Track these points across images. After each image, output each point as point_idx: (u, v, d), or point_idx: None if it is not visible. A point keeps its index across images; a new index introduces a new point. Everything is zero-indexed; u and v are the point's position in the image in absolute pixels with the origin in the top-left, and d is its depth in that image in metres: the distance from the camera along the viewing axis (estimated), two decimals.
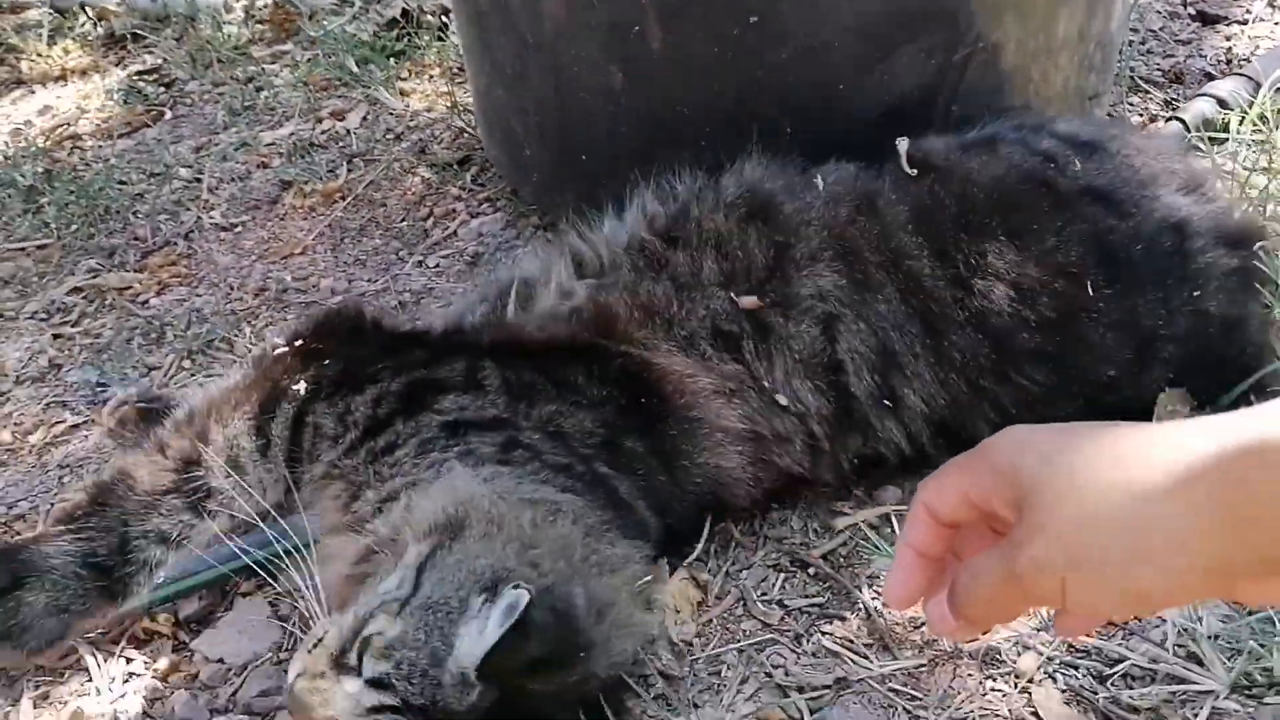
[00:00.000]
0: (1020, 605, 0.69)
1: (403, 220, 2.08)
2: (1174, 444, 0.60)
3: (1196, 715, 1.09)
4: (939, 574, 0.74)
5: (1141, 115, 1.96)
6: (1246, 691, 1.11)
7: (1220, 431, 0.59)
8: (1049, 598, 0.64)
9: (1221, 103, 1.87)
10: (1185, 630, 1.15)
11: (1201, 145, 1.76)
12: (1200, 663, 1.13)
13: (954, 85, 1.52)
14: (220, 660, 1.33)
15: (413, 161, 2.21)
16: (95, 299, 2.01)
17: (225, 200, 2.20)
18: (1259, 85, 1.87)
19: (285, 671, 1.20)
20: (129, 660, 1.36)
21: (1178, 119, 1.86)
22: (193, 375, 1.81)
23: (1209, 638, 1.15)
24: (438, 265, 1.95)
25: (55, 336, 1.93)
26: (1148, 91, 2.08)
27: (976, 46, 1.50)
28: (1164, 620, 1.17)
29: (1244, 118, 1.81)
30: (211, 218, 2.16)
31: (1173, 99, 2.03)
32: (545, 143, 1.76)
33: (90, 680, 1.34)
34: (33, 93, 2.74)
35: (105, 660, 1.36)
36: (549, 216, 1.96)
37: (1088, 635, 1.18)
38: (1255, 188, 1.62)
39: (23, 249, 2.16)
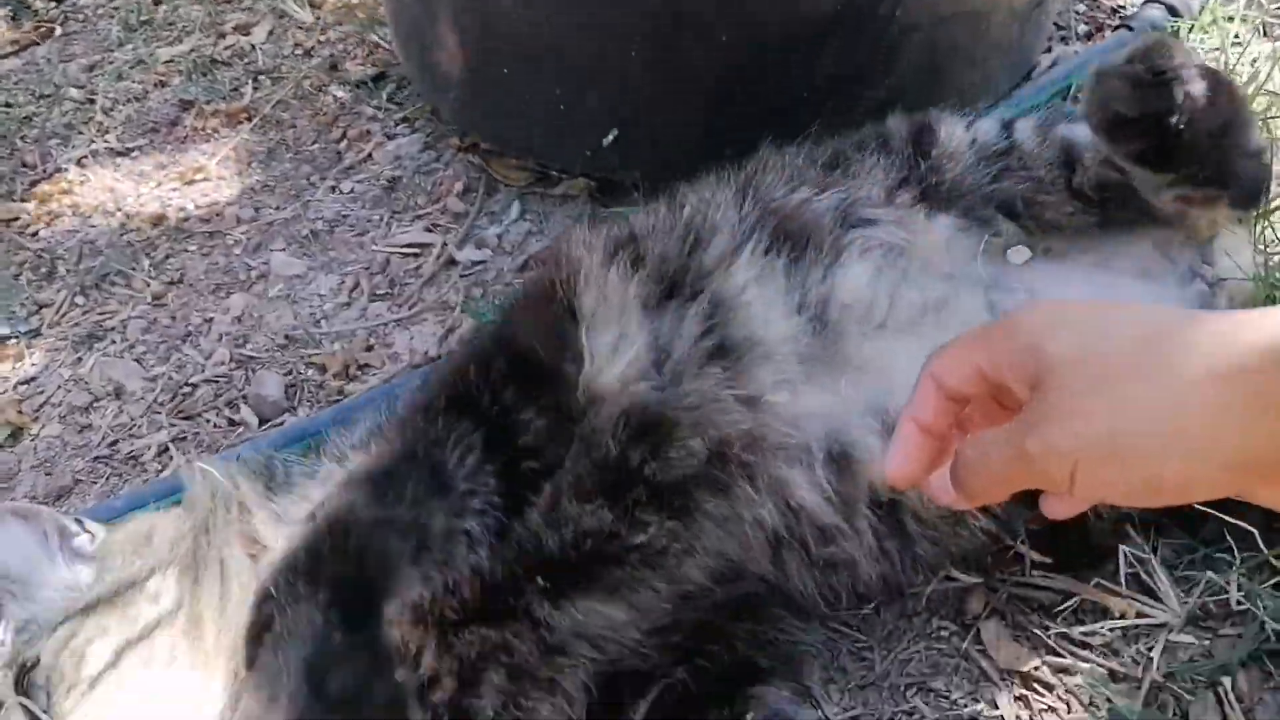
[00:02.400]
0: (1024, 484, 0.67)
1: (314, 143, 1.94)
2: (1219, 334, 0.59)
3: (1150, 649, 1.04)
4: (941, 449, 0.73)
5: (1088, 25, 1.87)
6: (1202, 624, 1.06)
7: (1270, 328, 0.57)
8: (1057, 481, 0.63)
9: (1172, 10, 1.79)
10: (1140, 561, 1.10)
11: None
12: (1155, 595, 1.08)
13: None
14: None
15: (323, 79, 2.06)
16: None
17: (120, 123, 2.05)
18: None
19: None
20: None
21: (1126, 26, 1.78)
22: (85, 313, 1.68)
23: (1166, 566, 1.10)
24: (352, 191, 1.83)
25: None
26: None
27: None
28: (1113, 553, 1.11)
29: (1193, 25, 1.73)
30: (106, 141, 2.00)
31: (1119, 6, 1.95)
32: (465, 54, 1.63)
33: None
34: None
35: None
36: (469, 136, 1.83)
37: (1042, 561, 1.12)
38: None
39: None
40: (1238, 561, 1.05)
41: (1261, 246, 1.18)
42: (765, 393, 1.01)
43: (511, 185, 1.77)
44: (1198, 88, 1.03)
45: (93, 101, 2.10)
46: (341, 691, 0.78)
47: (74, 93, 2.13)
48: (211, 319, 1.64)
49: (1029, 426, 0.63)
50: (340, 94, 2.02)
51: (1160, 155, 1.08)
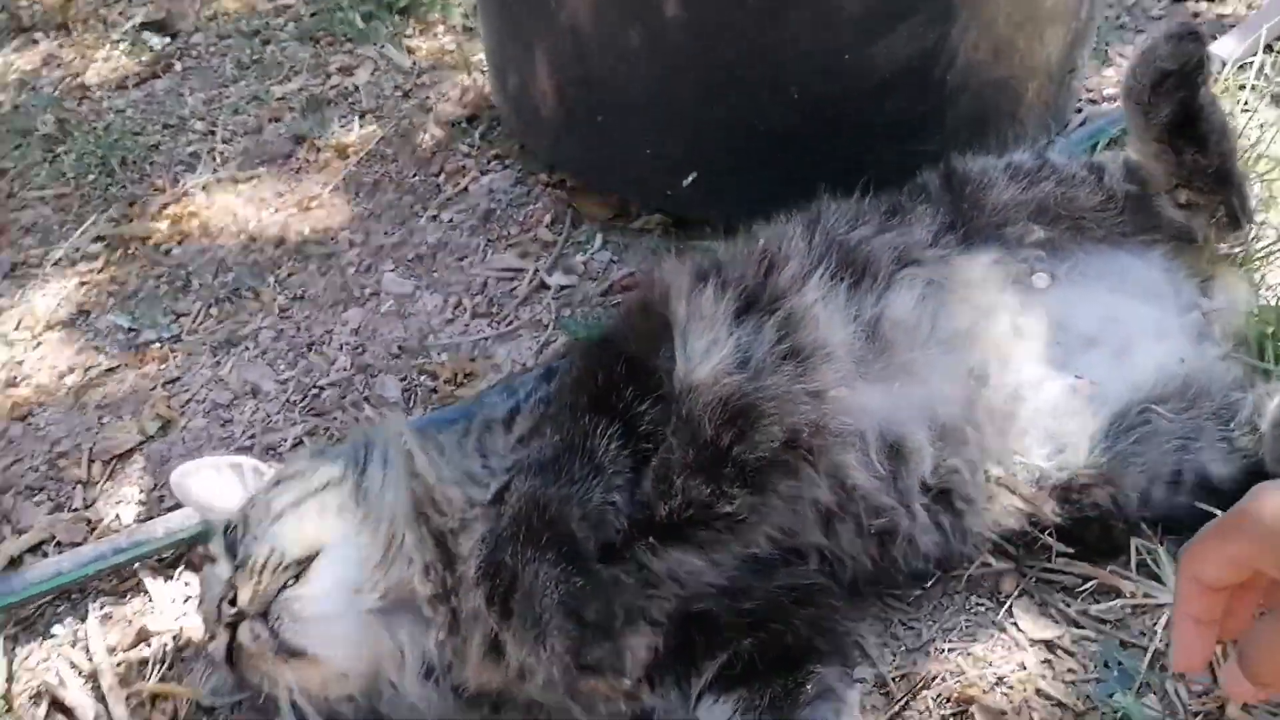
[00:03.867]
0: None
1: (414, 175, 2.17)
2: None
3: (1155, 623, 1.24)
4: (1224, 627, 0.75)
5: (1115, 88, 2.08)
6: None
7: None
8: None
9: None
10: (1148, 551, 1.29)
11: None
12: (1159, 580, 1.27)
13: (950, 57, 1.64)
14: None
15: (422, 118, 2.30)
16: (118, 247, 2.09)
17: (240, 153, 2.28)
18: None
19: None
20: (186, 584, 1.47)
21: None
22: (220, 322, 1.90)
23: (1170, 555, 1.30)
24: (451, 220, 2.05)
25: (81, 284, 2.02)
26: (1120, 65, 2.21)
27: (971, 21, 1.62)
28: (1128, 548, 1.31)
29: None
30: (228, 170, 2.24)
31: None
32: (560, 100, 1.86)
33: (151, 601, 1.45)
34: (35, 41, 2.78)
35: (165, 583, 1.47)
36: (558, 174, 2.06)
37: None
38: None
39: (42, 197, 2.23)
40: None
41: (1256, 286, 1.39)
42: (829, 388, 1.21)
43: (595, 219, 1.99)
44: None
45: (213, 133, 2.35)
46: (597, 617, 1.04)
47: (196, 124, 2.37)
48: (332, 330, 1.86)
49: None
50: (437, 132, 2.25)
51: (1186, 126, 1.34)
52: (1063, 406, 1.30)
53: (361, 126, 2.30)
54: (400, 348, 1.81)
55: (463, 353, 1.78)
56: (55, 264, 2.07)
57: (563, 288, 1.88)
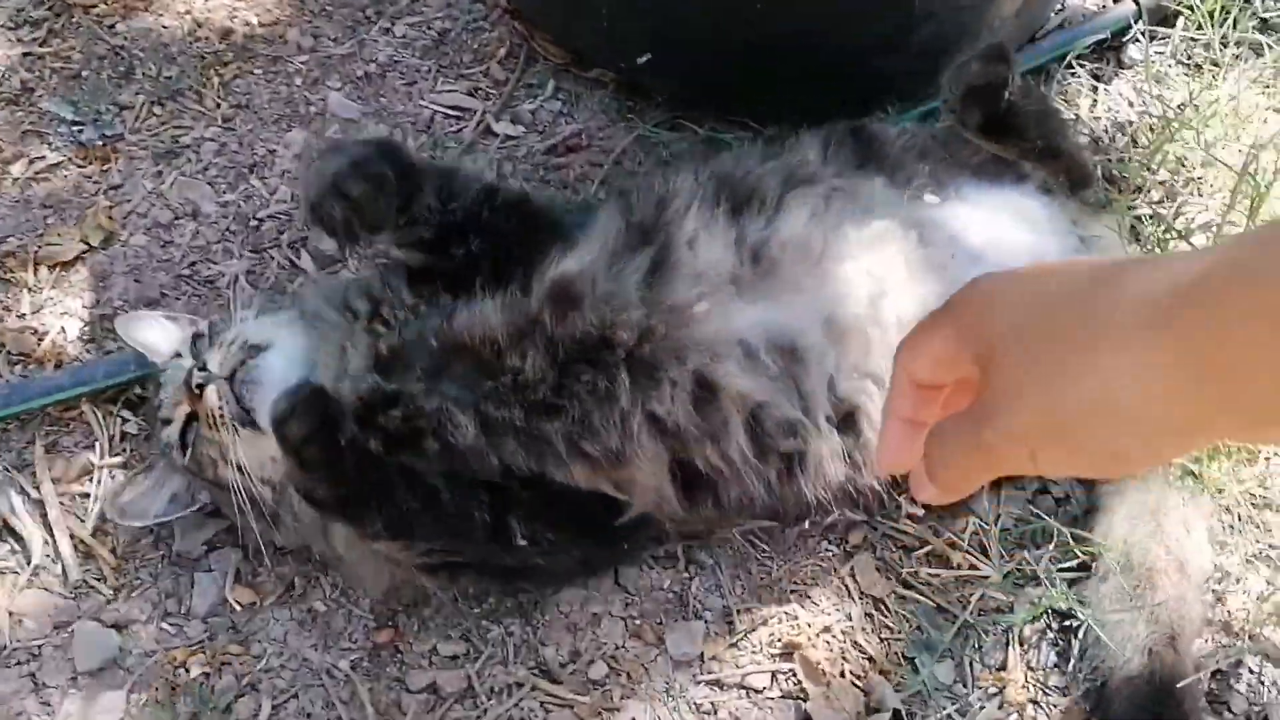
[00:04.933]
0: (992, 473, 0.64)
1: None
2: (1140, 295, 0.55)
3: (971, 596, 1.43)
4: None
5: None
6: (1016, 581, 1.45)
7: (1183, 280, 0.53)
8: (1020, 466, 0.61)
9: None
10: (983, 529, 1.47)
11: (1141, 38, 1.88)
12: (986, 554, 1.46)
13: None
14: None
15: None
16: (63, 13, 2.02)
17: None
18: None
19: None
20: (124, 420, 1.60)
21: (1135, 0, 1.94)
22: (163, 123, 1.90)
23: (1001, 531, 1.47)
24: (404, 36, 2.00)
25: (25, 55, 1.97)
26: None
27: None
28: (969, 517, 1.48)
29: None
30: None
31: None
32: None
33: (92, 434, 1.59)
34: None
35: (105, 418, 1.60)
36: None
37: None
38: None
39: None
40: (1051, 544, 1.43)
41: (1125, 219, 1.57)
42: (686, 305, 1.32)
43: (550, 59, 1.96)
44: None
45: None
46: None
47: None
48: (275, 151, 1.87)
49: (983, 416, 0.60)
50: None
51: (997, 126, 1.46)
52: None
53: None
54: None
55: None
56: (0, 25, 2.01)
57: (509, 137, 1.89)
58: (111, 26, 2.02)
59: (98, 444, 1.58)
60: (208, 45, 2.00)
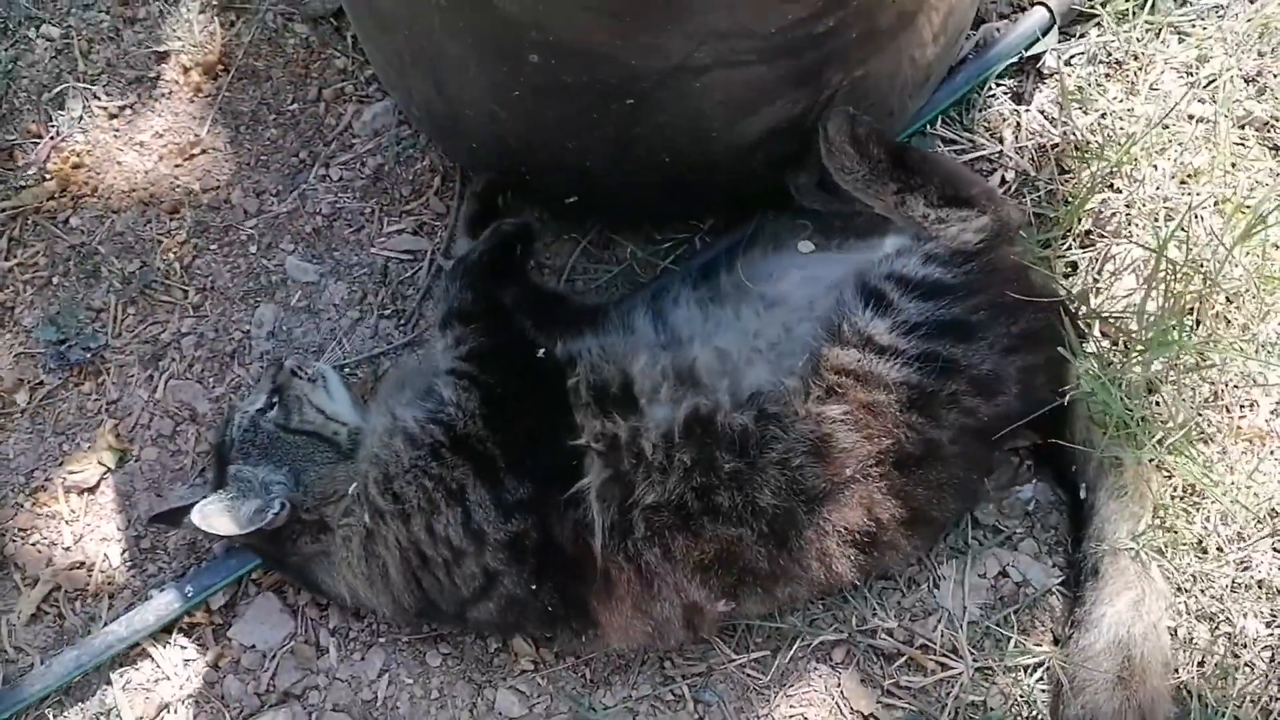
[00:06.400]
0: None
1: (292, 102, 2.10)
2: None
3: (948, 694, 1.60)
4: None
5: (1012, 5, 1.95)
6: (988, 674, 1.61)
7: None
8: None
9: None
10: (954, 619, 1.62)
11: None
12: (956, 652, 1.61)
13: (821, 108, 1.60)
14: (254, 647, 1.77)
15: (287, 14, 2.14)
16: (18, 218, 2.08)
17: (104, 70, 2.16)
18: None
19: (305, 657, 1.71)
20: (183, 648, 1.80)
21: (1044, 5, 1.89)
22: (140, 322, 2.00)
23: (968, 624, 1.62)
24: (341, 179, 2.04)
25: None
26: None
27: (842, 83, 1.56)
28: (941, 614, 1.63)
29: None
30: (98, 100, 2.13)
31: None
32: (443, 103, 1.77)
33: (159, 668, 1.79)
34: None
35: (164, 649, 1.80)
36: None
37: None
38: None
39: None
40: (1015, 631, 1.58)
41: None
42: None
43: None
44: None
45: (68, 42, 2.18)
46: None
47: (52, 31, 2.19)
48: (249, 332, 1.97)
49: None
50: (304, 31, 2.12)
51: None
52: None
53: (223, 26, 2.14)
54: (317, 354, 1.94)
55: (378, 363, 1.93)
56: None
57: None
58: (66, 221, 2.08)
59: (165, 676, 1.78)
60: (160, 226, 2.06)
